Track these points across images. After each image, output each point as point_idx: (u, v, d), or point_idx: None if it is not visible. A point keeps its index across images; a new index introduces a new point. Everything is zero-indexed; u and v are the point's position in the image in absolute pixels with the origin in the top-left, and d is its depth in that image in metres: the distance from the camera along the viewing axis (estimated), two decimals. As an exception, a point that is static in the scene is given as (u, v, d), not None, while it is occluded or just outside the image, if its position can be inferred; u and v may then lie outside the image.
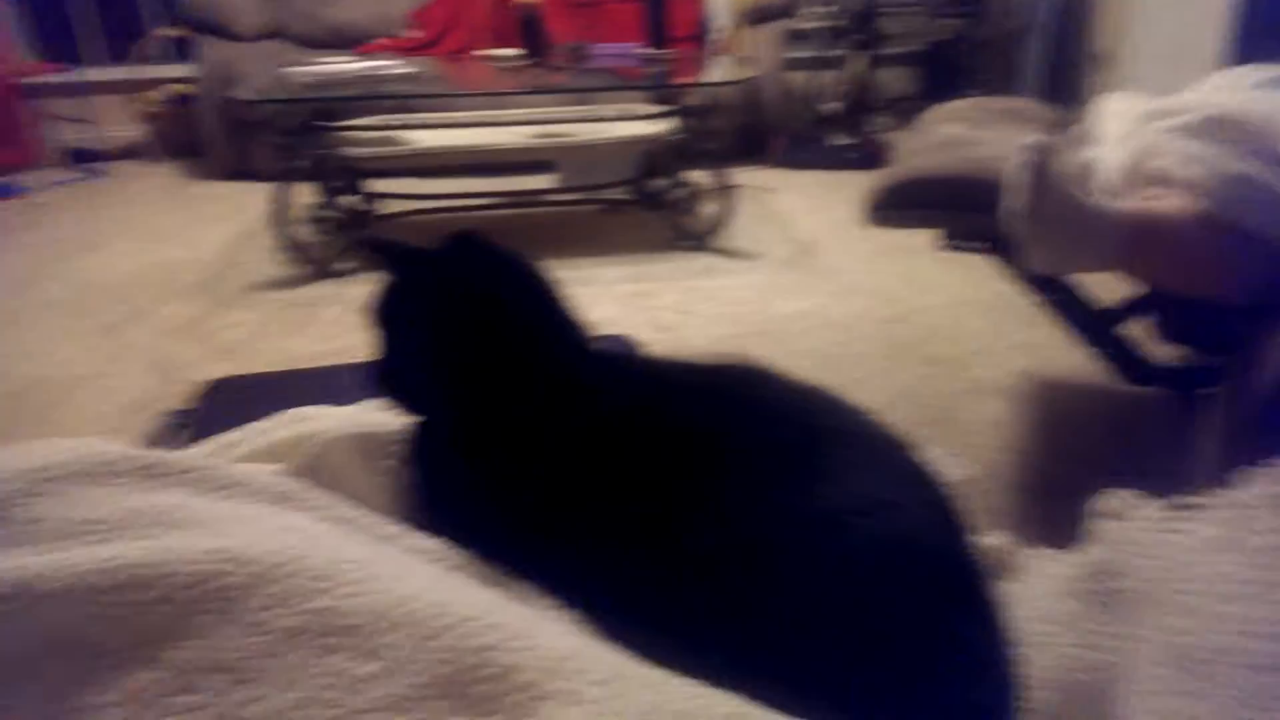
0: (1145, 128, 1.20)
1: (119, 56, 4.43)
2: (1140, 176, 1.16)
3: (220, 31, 3.73)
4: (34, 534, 0.57)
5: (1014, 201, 1.03)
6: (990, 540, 0.82)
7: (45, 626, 0.52)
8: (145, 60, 4.11)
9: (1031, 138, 1.01)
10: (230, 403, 1.22)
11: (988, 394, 1.91)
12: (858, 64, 4.03)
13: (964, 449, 1.70)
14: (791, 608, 0.58)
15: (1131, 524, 0.64)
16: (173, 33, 4.06)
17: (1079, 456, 1.64)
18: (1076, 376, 1.96)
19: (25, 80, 4.09)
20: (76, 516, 0.57)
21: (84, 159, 4.15)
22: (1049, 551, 0.81)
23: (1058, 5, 3.96)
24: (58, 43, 4.59)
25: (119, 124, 4.29)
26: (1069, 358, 2.04)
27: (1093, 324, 1.49)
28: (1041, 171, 1.00)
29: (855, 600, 0.58)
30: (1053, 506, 1.49)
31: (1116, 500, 0.67)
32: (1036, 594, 0.72)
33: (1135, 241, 1.07)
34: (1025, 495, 1.55)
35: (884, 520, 0.60)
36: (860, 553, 0.58)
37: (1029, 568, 0.80)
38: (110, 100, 4.26)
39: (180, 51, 4.22)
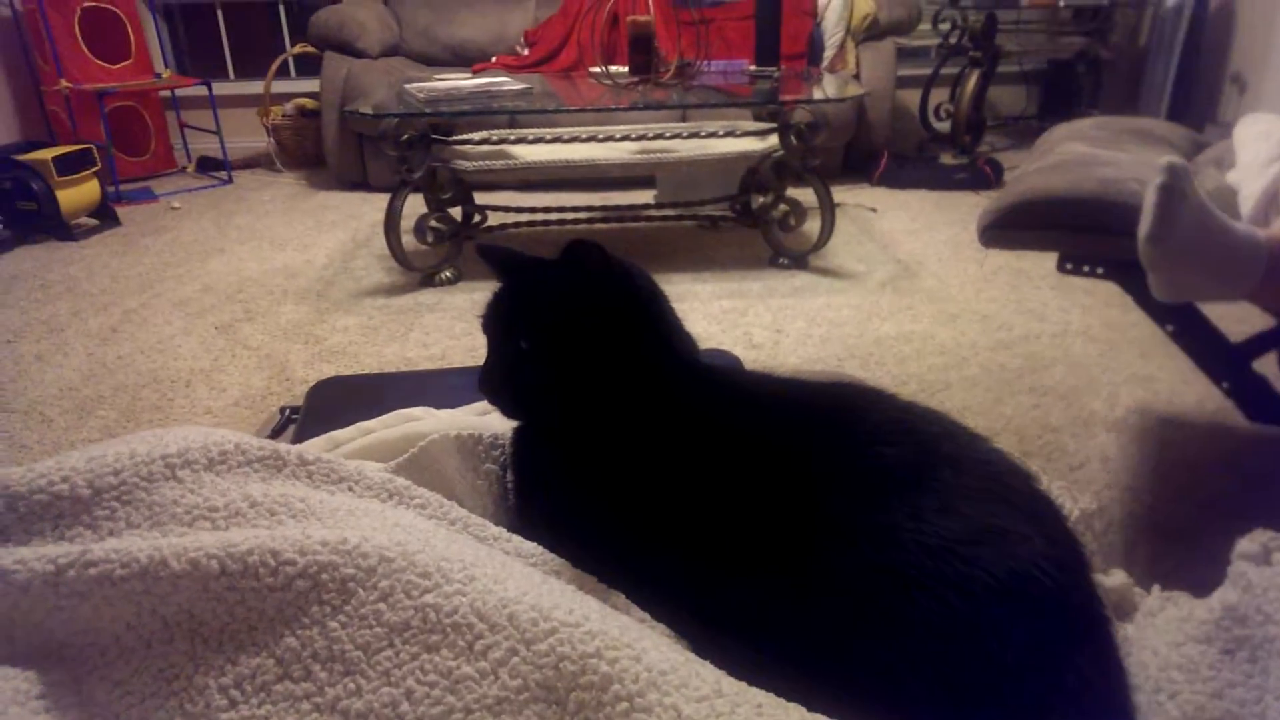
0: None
1: (251, 72, 4.68)
2: (1284, 202, 1.09)
3: (344, 49, 3.89)
4: (159, 517, 0.59)
5: (1145, 225, 0.97)
6: (1110, 580, 0.77)
7: (166, 607, 0.54)
8: (274, 76, 4.32)
9: (1166, 159, 0.95)
10: (336, 401, 1.25)
11: (1099, 427, 1.82)
12: (972, 82, 3.93)
13: (1074, 484, 1.62)
14: (898, 636, 0.56)
15: (1276, 569, 0.59)
16: (301, 51, 4.26)
17: (1197, 496, 1.54)
18: (1195, 412, 1.86)
19: (164, 93, 4.35)
20: (200, 502, 0.59)
21: (212, 167, 4.39)
22: (1173, 594, 0.76)
23: (1189, 24, 3.79)
24: (197, 58, 4.88)
25: (246, 135, 4.53)
26: (1188, 392, 1.93)
27: (1223, 356, 1.41)
28: (1176, 194, 0.95)
29: (966, 632, 0.55)
30: (1169, 547, 1.41)
31: (1260, 542, 0.62)
32: (1160, 638, 0.68)
33: (1276, 269, 1.00)
34: (1138, 534, 1.47)
35: (1000, 550, 0.57)
36: (974, 584, 0.56)
37: (1151, 610, 0.75)
38: (239, 112, 4.50)
39: (307, 68, 4.43)
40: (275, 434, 1.29)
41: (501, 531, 0.69)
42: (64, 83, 3.87)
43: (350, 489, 0.66)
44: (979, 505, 0.60)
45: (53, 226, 3.33)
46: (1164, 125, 1.71)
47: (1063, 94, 4.55)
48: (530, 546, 0.68)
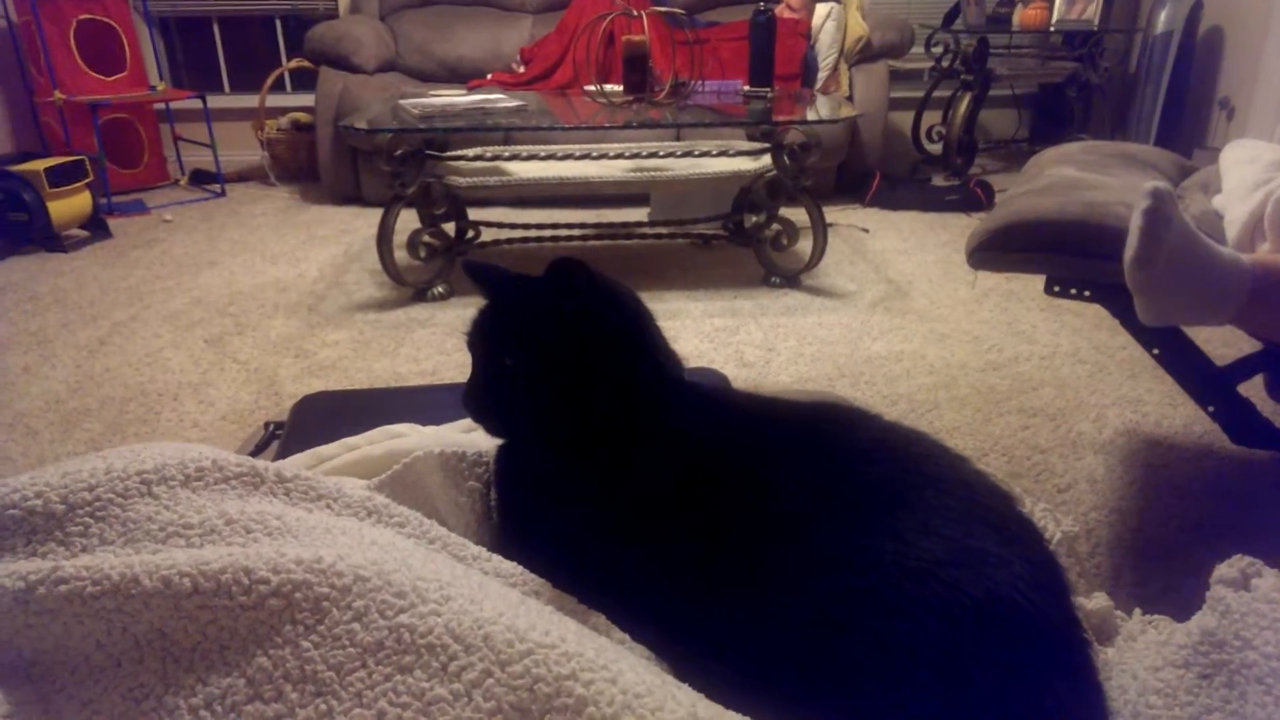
0: (1278, 176, 1.14)
1: (247, 86, 4.69)
2: (1270, 226, 1.10)
3: (341, 64, 3.91)
4: (133, 533, 0.59)
5: (1131, 249, 0.98)
6: (1092, 603, 0.77)
7: (137, 626, 0.54)
8: (270, 90, 4.33)
9: (1151, 183, 0.96)
10: (322, 416, 1.25)
11: (1087, 449, 1.82)
12: (964, 105, 3.96)
13: (1059, 506, 1.62)
14: (877, 659, 0.56)
15: (1254, 594, 0.59)
16: (296, 65, 4.27)
17: (1183, 519, 1.54)
18: (1182, 435, 1.86)
19: (159, 105, 4.36)
20: (175, 519, 0.59)
21: (205, 180, 4.39)
22: (1154, 618, 0.76)
23: (1177, 50, 3.82)
24: (193, 72, 4.89)
25: (240, 148, 4.53)
26: (1175, 415, 1.94)
27: (1207, 380, 1.41)
28: (1161, 219, 0.96)
29: (946, 656, 0.55)
30: (1156, 570, 1.41)
31: (1238, 568, 0.62)
32: (1140, 662, 0.68)
33: (1261, 294, 1.00)
34: (1124, 557, 1.47)
35: (980, 573, 0.57)
36: (954, 607, 0.56)
37: (1131, 634, 0.75)
38: (233, 126, 4.50)
39: (303, 83, 4.45)
40: (259, 449, 1.28)
41: (481, 550, 0.68)
42: (58, 94, 3.87)
43: (328, 507, 0.65)
44: (960, 527, 0.60)
45: (43, 237, 3.32)
46: (1151, 150, 1.73)
47: (1053, 118, 4.58)
48: (509, 566, 0.67)
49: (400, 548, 0.62)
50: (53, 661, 0.53)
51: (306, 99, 4.20)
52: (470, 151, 3.00)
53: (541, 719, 0.49)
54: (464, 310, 2.70)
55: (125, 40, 4.15)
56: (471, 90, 3.52)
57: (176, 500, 0.60)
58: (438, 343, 2.44)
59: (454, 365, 2.29)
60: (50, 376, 2.27)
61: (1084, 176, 1.40)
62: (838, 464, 0.66)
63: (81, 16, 3.99)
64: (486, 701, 0.50)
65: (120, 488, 0.60)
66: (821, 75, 3.89)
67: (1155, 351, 1.37)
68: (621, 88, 2.90)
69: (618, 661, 0.53)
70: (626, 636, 0.64)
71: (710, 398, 0.82)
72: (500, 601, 0.56)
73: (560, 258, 0.74)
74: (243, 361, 2.35)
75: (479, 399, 0.80)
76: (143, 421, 2.04)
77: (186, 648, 0.53)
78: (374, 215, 2.82)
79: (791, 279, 2.89)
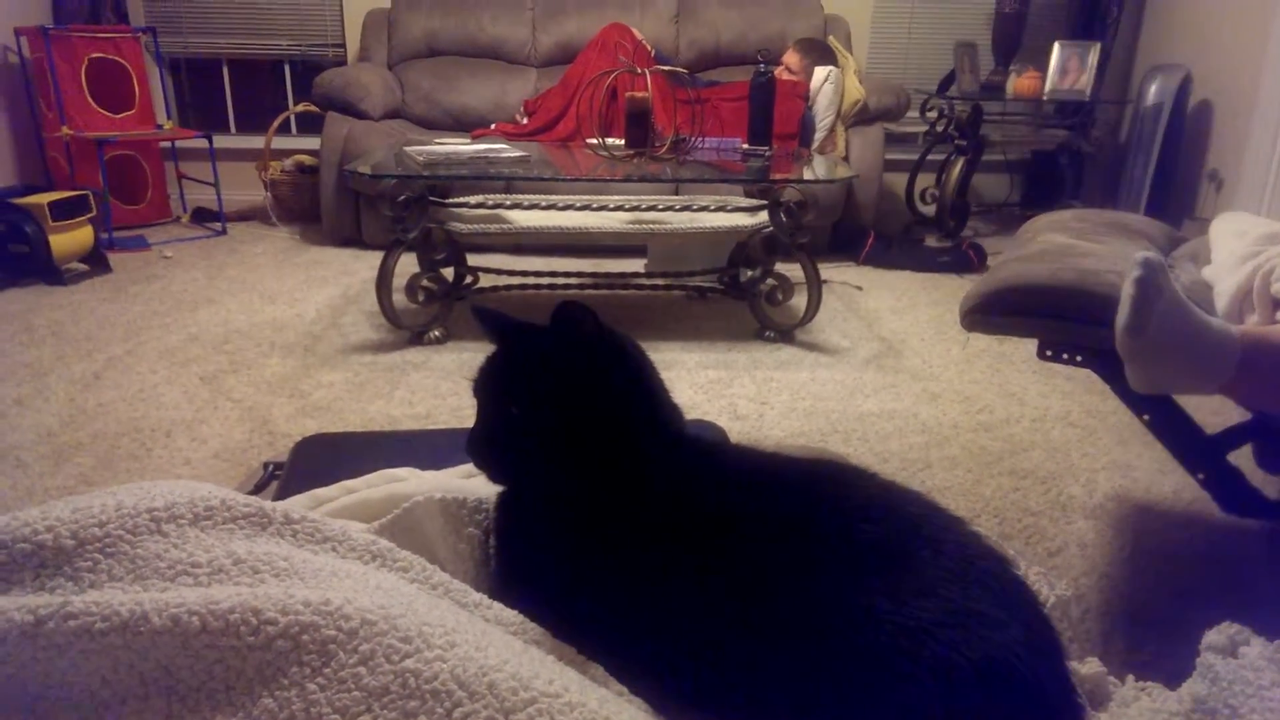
0: (1266, 250, 1.17)
1: (252, 127, 4.75)
2: (1259, 299, 1.12)
3: (347, 110, 3.97)
4: (142, 570, 0.59)
5: (1122, 317, 1.00)
6: (1085, 668, 0.78)
7: (144, 663, 0.54)
8: (275, 132, 4.39)
9: (1142, 252, 0.99)
10: (321, 458, 1.25)
11: (1078, 513, 1.83)
12: (957, 168, 4.04)
13: (1051, 570, 1.63)
14: (875, 717, 0.56)
15: (1241, 662, 0.60)
16: (303, 109, 4.34)
17: (1173, 585, 1.55)
18: (1172, 501, 1.88)
19: (164, 143, 4.41)
20: (184, 557, 0.59)
21: (207, 218, 4.42)
22: (1146, 684, 0.76)
23: (1167, 122, 3.92)
24: (200, 112, 4.96)
25: (243, 188, 4.57)
26: (1165, 481, 1.95)
27: (1197, 448, 1.43)
28: (1152, 288, 0.98)
29: (942, 716, 0.55)
30: (1146, 635, 1.42)
31: (1227, 635, 0.63)
32: (1134, 730, 0.68)
33: (1249, 365, 1.03)
34: (1115, 622, 1.47)
35: (977, 635, 0.58)
36: (950, 668, 0.56)
37: (1124, 700, 0.76)
38: (237, 166, 4.55)
39: (308, 126, 4.51)
40: (258, 489, 1.29)
41: (482, 598, 0.69)
42: (66, 129, 3.92)
43: (334, 549, 0.66)
44: (957, 588, 0.61)
45: (43, 270, 3.33)
46: (1142, 220, 1.77)
47: (1045, 184, 4.68)
48: (511, 614, 0.68)
49: (405, 592, 0.62)
50: (58, 697, 0.53)
51: (311, 142, 4.26)
52: (472, 199, 3.04)
53: (545, 768, 0.50)
54: (460, 355, 2.72)
55: (135, 79, 4.21)
56: (475, 139, 3.58)
57: (185, 539, 0.61)
58: (432, 386, 2.45)
59: (448, 410, 2.29)
60: (43, 409, 2.27)
61: (1076, 244, 1.44)
62: (836, 522, 0.67)
63: (94, 55, 4.05)
64: (490, 749, 0.50)
65: (130, 524, 0.60)
66: (818, 136, 3.97)
67: (1145, 418, 1.39)
68: (623, 142, 2.96)
69: (620, 714, 0.54)
70: (624, 689, 0.64)
71: (710, 452, 0.83)
72: (504, 649, 0.57)
73: (566, 302, 0.75)
74: (237, 400, 2.35)
75: (483, 446, 0.81)
76: (134, 457, 2.03)
77: (193, 686, 0.53)
78: (373, 258, 2.84)
79: (785, 334, 2.91)
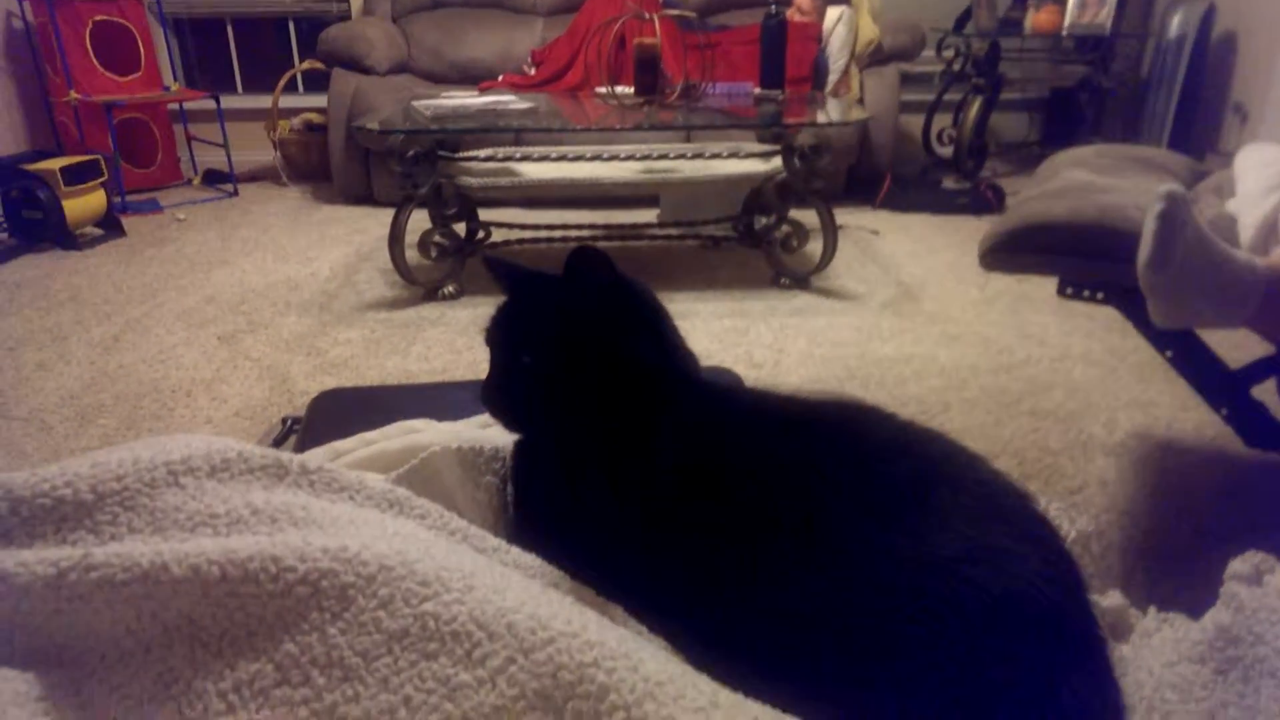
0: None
1: (260, 87, 4.72)
2: (1283, 230, 1.10)
3: (353, 66, 3.93)
4: (161, 522, 0.59)
5: (1144, 252, 0.98)
6: (1107, 601, 0.77)
7: (166, 612, 0.55)
8: (282, 91, 4.36)
9: (1165, 186, 0.96)
10: (339, 412, 1.26)
11: (1098, 452, 1.82)
12: (975, 108, 3.96)
13: (1070, 508, 1.62)
14: (894, 654, 0.56)
15: (1267, 589, 0.60)
16: (309, 67, 4.30)
17: (1194, 521, 1.54)
18: (1194, 438, 1.86)
19: (172, 106, 4.39)
20: (202, 509, 0.60)
21: (218, 180, 4.42)
22: (1168, 615, 0.76)
23: (1190, 54, 3.82)
24: (206, 72, 4.92)
25: (253, 149, 4.56)
26: (1187, 417, 1.94)
27: (1220, 383, 1.41)
28: (1175, 222, 0.96)
29: (963, 649, 0.55)
30: (1166, 570, 1.41)
31: (1252, 563, 0.63)
32: (1155, 659, 0.68)
33: (1274, 297, 1.01)
34: (1136, 558, 1.47)
35: (998, 569, 0.57)
36: (971, 602, 0.56)
37: (1146, 631, 0.76)
38: (246, 126, 4.53)
39: (315, 84, 4.47)
40: (277, 444, 1.29)
41: (501, 543, 0.69)
42: (73, 94, 3.90)
43: (351, 498, 0.66)
44: (977, 524, 0.60)
45: (58, 235, 3.35)
46: (1165, 153, 1.73)
47: (1065, 122, 4.58)
48: (529, 558, 0.68)
49: (422, 538, 0.62)
50: (83, 647, 0.54)
51: (319, 100, 4.22)
52: (482, 153, 3.01)
53: (564, 705, 0.50)
54: (474, 309, 2.72)
55: (140, 41, 4.18)
56: (483, 92, 3.54)
57: (203, 490, 0.61)
58: (448, 341, 2.46)
59: (464, 364, 2.30)
60: (65, 373, 2.29)
61: (1097, 180, 1.41)
62: (856, 461, 0.66)
63: (97, 18, 4.02)
64: (510, 688, 0.50)
65: (148, 478, 0.61)
66: (832, 78, 3.90)
67: (1168, 354, 1.37)
68: (632, 90, 2.92)
69: (639, 650, 0.54)
70: (644, 629, 0.65)
71: (726, 394, 0.82)
72: (522, 591, 0.57)
73: (581, 247, 0.75)
74: (255, 359, 2.36)
75: (496, 395, 0.81)
76: (157, 417, 2.05)
77: (215, 634, 0.54)
78: (385, 215, 2.83)
79: (801, 280, 2.89)
